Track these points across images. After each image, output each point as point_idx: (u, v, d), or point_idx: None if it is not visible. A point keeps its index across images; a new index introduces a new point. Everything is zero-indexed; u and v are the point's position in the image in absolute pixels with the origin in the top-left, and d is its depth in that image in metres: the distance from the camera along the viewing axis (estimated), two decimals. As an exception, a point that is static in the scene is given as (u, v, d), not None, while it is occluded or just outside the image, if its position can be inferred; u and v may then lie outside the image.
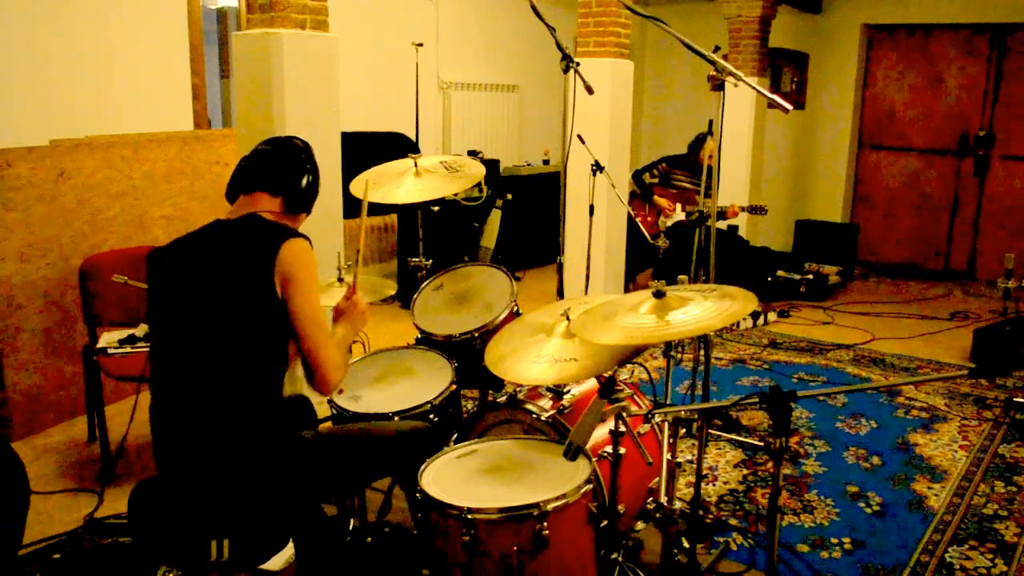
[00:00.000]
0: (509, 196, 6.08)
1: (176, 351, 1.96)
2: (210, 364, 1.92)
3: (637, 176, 5.85)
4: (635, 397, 2.57)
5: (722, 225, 6.04)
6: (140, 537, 2.01)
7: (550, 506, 1.85)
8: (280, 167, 2.09)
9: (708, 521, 2.92)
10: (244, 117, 3.49)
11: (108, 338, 3.24)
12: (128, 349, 3.18)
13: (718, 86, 2.37)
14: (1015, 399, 4.11)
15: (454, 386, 2.55)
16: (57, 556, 2.61)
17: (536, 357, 2.18)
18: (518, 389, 2.49)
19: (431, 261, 3.26)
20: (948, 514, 3.02)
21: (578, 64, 2.90)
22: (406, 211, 5.64)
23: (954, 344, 5.17)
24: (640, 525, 2.47)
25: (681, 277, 2.21)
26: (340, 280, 2.80)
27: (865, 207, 7.78)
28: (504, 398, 2.48)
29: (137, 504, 1.96)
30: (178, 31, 4.78)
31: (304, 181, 2.11)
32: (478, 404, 3.08)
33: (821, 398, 4.13)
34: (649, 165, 5.94)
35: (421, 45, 5.82)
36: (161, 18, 4.68)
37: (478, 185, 5.65)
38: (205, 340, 1.92)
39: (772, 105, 2.23)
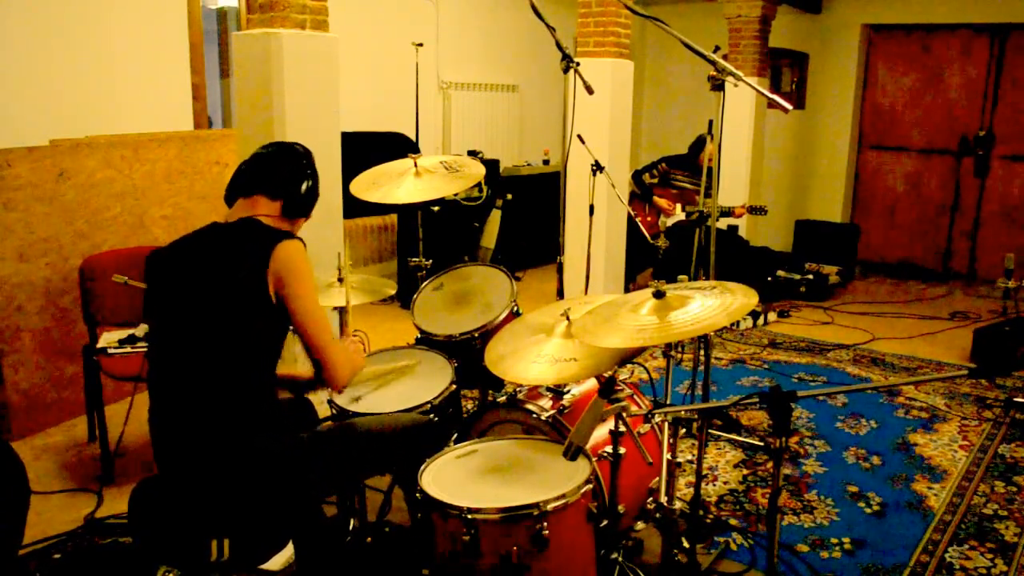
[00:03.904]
0: (509, 196, 6.08)
1: (172, 352, 1.96)
2: (205, 365, 1.92)
3: (637, 176, 5.85)
4: (635, 397, 2.57)
5: (722, 225, 6.04)
6: (140, 537, 2.01)
7: (550, 506, 1.85)
8: (280, 171, 2.09)
9: (708, 521, 2.92)
10: (244, 117, 3.49)
11: (108, 338, 3.24)
12: (128, 349, 3.17)
13: (718, 86, 2.37)
14: (1015, 399, 4.11)
15: (454, 386, 2.55)
16: (57, 556, 2.61)
17: (536, 357, 2.18)
18: (518, 389, 2.49)
19: (431, 261, 3.26)
20: (948, 514, 3.02)
21: (578, 64, 2.90)
22: (406, 211, 5.64)
23: (954, 344, 5.17)
24: (640, 525, 2.47)
25: (681, 277, 2.21)
26: (340, 280, 2.80)
27: (865, 207, 7.78)
28: (504, 398, 2.48)
29: (137, 504, 1.96)
30: (178, 31, 4.78)
31: (304, 186, 2.11)
32: (478, 404, 3.08)
33: (821, 398, 4.13)
34: (649, 165, 5.94)
35: (421, 45, 5.82)
36: (161, 18, 4.67)
37: (478, 185, 5.66)
38: (200, 341, 1.92)
39: (772, 105, 2.23)
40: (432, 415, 2.45)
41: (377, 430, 2.17)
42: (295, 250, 1.94)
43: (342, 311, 2.81)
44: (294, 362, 2.93)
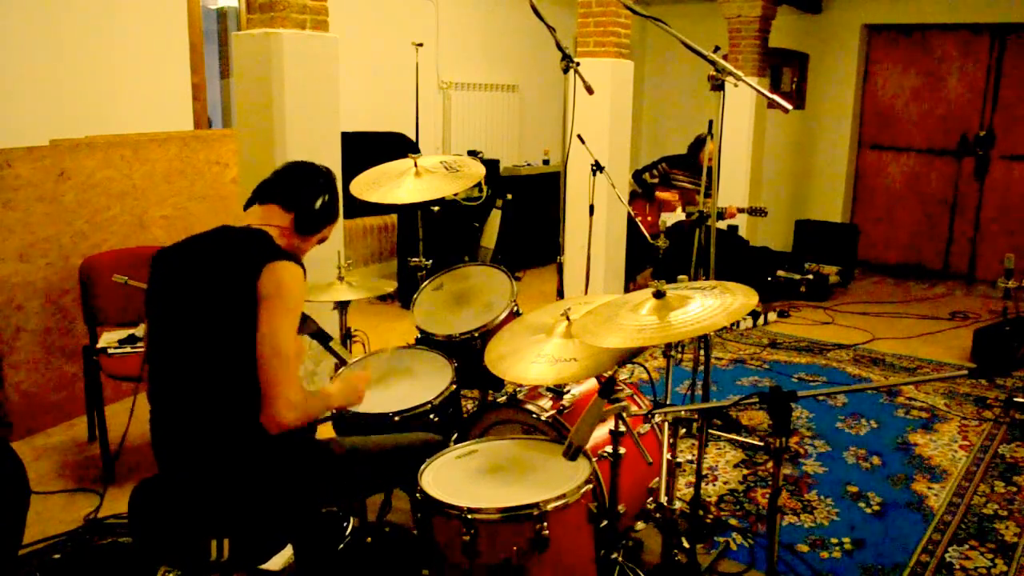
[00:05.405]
0: (509, 196, 6.08)
1: (172, 353, 1.96)
2: (204, 367, 1.92)
3: (637, 176, 5.86)
4: (635, 397, 2.57)
5: (722, 225, 6.04)
6: (140, 537, 2.01)
7: (550, 506, 1.85)
8: (298, 184, 2.09)
9: (708, 521, 2.92)
10: (244, 117, 3.49)
11: (108, 338, 3.24)
12: (128, 349, 3.18)
13: (718, 86, 2.37)
14: (1015, 399, 4.11)
15: (454, 386, 2.55)
16: (57, 556, 2.61)
17: (536, 357, 2.18)
18: (518, 389, 2.49)
19: (431, 261, 3.26)
20: (948, 514, 3.02)
21: (578, 64, 2.90)
22: (406, 211, 5.64)
23: (954, 344, 5.17)
24: (640, 525, 2.47)
25: (681, 277, 2.21)
26: (340, 279, 2.81)
27: (865, 207, 7.78)
28: (504, 398, 2.48)
29: (137, 504, 1.96)
30: (178, 31, 4.78)
31: (319, 202, 2.09)
32: (478, 404, 3.08)
33: (821, 398, 4.13)
34: (649, 165, 5.95)
35: (421, 45, 5.81)
36: (161, 18, 4.67)
37: (478, 185, 5.65)
38: (199, 343, 1.92)
39: (772, 105, 2.23)
40: (432, 415, 2.45)
41: (379, 451, 2.15)
42: (287, 273, 1.89)
43: (342, 308, 2.82)
44: (312, 376, 2.94)
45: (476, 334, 2.75)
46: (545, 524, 1.84)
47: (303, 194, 2.08)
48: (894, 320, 5.76)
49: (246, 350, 1.89)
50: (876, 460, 3.46)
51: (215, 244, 2.00)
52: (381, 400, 2.48)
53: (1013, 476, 3.33)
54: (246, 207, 2.12)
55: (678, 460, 2.23)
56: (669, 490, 2.22)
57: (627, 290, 5.47)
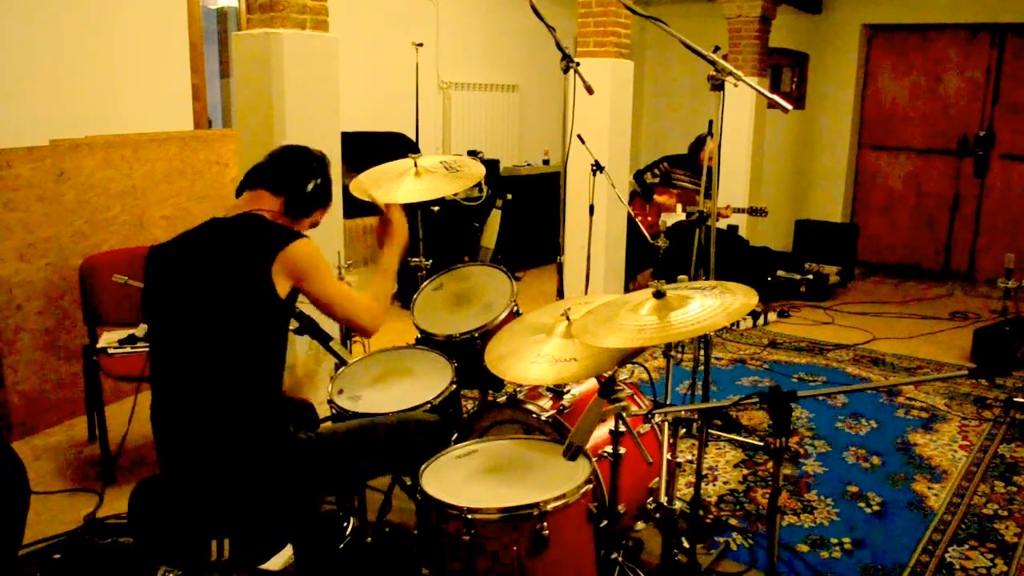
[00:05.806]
0: (509, 196, 6.08)
1: (175, 350, 1.96)
2: (208, 363, 1.91)
3: (639, 176, 5.87)
4: (635, 397, 2.57)
5: (722, 225, 6.04)
6: (140, 537, 2.01)
7: (550, 506, 1.85)
8: (287, 168, 2.10)
9: (708, 521, 2.92)
10: (244, 117, 3.49)
11: (108, 338, 3.24)
12: (128, 349, 3.17)
13: (718, 86, 2.37)
14: (1015, 399, 4.11)
15: (454, 386, 2.55)
16: (57, 556, 2.61)
17: (536, 357, 2.18)
18: (518, 389, 2.49)
19: (431, 261, 3.26)
20: (948, 514, 3.02)
21: (578, 64, 2.90)
22: (406, 211, 5.59)
23: (954, 344, 5.17)
24: (640, 525, 2.47)
25: (681, 277, 2.21)
26: (340, 279, 2.80)
27: (865, 207, 7.78)
28: (504, 398, 2.48)
29: (137, 504, 1.96)
30: (178, 31, 4.78)
31: (310, 185, 2.11)
32: (478, 404, 3.08)
33: (821, 398, 4.13)
34: (650, 165, 5.95)
35: (421, 45, 5.81)
36: (161, 18, 4.67)
37: (478, 185, 5.65)
38: (203, 339, 1.92)
39: (772, 105, 2.23)
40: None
41: (382, 429, 2.16)
42: (306, 247, 1.95)
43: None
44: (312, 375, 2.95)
45: (476, 334, 2.75)
46: (545, 524, 1.84)
47: (294, 177, 2.10)
48: (894, 320, 5.76)
49: (258, 338, 1.91)
50: (876, 460, 3.46)
51: (215, 235, 2.00)
52: (381, 400, 2.49)
53: (1013, 476, 3.33)
54: (238, 193, 2.12)
55: (678, 460, 2.23)
56: (669, 490, 2.22)
57: (627, 290, 5.47)
